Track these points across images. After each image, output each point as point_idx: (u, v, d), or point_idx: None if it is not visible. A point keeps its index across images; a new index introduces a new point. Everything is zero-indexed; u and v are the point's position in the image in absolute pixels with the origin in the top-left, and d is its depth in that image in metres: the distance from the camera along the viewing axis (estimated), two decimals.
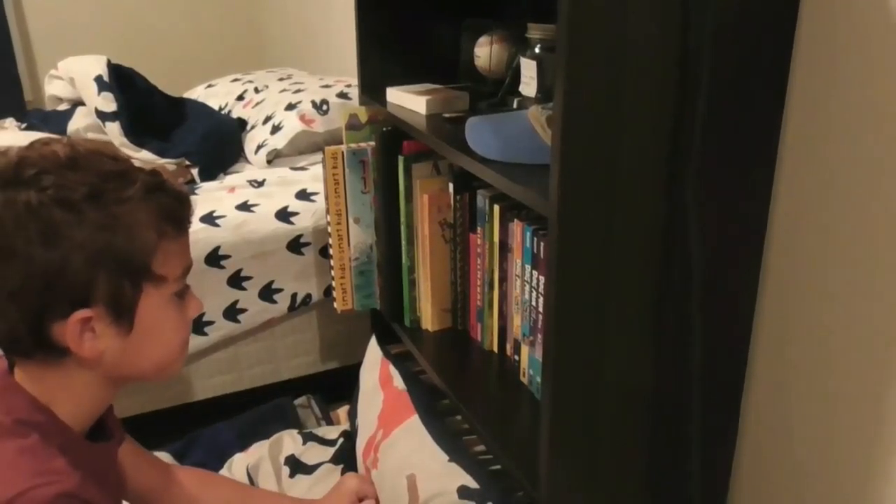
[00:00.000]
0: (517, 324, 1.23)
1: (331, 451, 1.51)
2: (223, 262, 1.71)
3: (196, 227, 1.69)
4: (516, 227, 1.16)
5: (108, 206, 0.80)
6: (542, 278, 1.12)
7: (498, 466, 1.21)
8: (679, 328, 0.96)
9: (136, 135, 2.10)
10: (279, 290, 1.79)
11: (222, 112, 2.42)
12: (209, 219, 1.72)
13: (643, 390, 0.98)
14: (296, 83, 2.34)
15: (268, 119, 2.16)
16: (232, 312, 1.75)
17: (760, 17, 0.88)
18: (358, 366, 1.62)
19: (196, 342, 1.74)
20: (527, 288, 1.16)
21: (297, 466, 1.47)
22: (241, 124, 2.26)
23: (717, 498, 1.11)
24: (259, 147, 2.09)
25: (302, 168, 2.03)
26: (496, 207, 1.21)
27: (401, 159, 1.38)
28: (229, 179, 2.01)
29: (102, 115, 2.11)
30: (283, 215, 1.77)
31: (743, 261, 0.99)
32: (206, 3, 3.61)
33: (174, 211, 0.87)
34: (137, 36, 3.48)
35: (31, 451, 0.81)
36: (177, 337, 0.92)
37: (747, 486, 1.12)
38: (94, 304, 0.81)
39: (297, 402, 1.79)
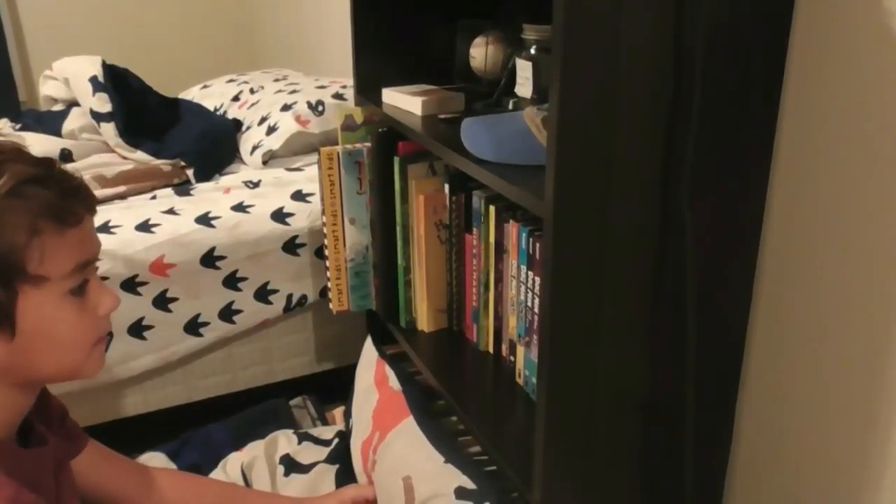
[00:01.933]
0: (512, 325, 1.23)
1: (326, 450, 1.51)
2: (218, 263, 1.71)
3: (191, 227, 1.70)
4: (512, 227, 1.16)
5: None
6: (537, 279, 1.12)
7: (494, 467, 1.21)
8: (674, 329, 0.96)
9: (131, 135, 2.10)
10: (274, 291, 1.79)
11: (217, 113, 2.42)
12: (204, 220, 1.72)
13: (638, 392, 0.98)
14: (291, 84, 2.34)
15: (263, 120, 2.16)
16: (227, 313, 1.75)
17: (755, 17, 0.88)
18: (353, 367, 1.62)
19: (191, 343, 1.74)
20: (522, 289, 1.16)
21: (291, 466, 1.47)
22: (237, 125, 2.26)
23: (712, 500, 1.12)
24: (254, 148, 2.09)
25: (297, 169, 2.03)
26: (492, 208, 1.21)
27: (396, 160, 1.38)
28: (224, 180, 2.01)
29: (97, 116, 2.10)
30: (279, 216, 1.77)
31: (738, 262, 1.00)
32: (201, 3, 3.60)
33: (52, 205, 0.81)
34: (132, 36, 3.48)
35: None
36: (78, 336, 0.87)
37: (742, 488, 1.12)
38: None
39: (293, 402, 1.79)
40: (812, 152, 0.93)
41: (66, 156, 2.07)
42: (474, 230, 1.28)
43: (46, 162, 0.84)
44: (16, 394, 0.87)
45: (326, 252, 1.56)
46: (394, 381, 1.43)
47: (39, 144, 2.05)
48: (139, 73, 2.30)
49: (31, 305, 0.81)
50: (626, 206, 0.87)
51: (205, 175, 2.04)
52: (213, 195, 1.87)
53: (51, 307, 0.83)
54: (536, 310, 1.14)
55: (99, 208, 0.93)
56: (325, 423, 1.72)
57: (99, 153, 2.12)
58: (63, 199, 0.82)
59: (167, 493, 1.20)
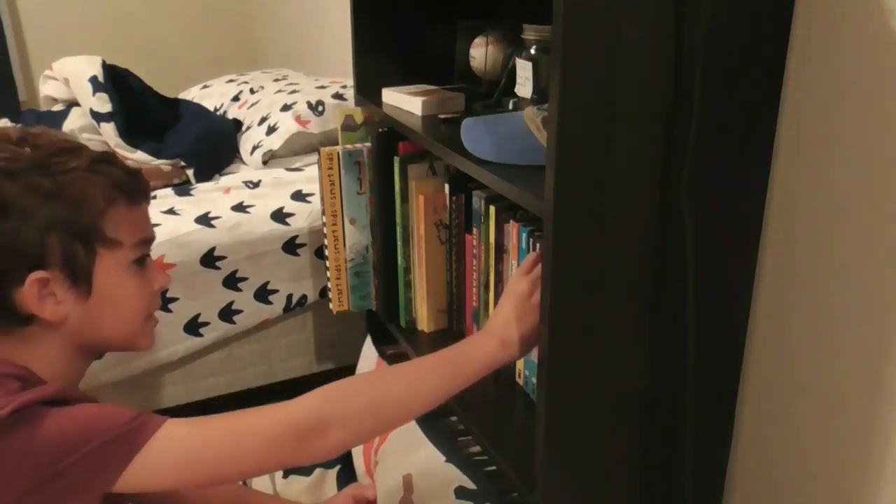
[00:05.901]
0: None
1: None
2: (218, 264, 1.71)
3: (191, 227, 1.70)
4: (511, 228, 1.16)
5: (55, 175, 0.86)
6: None
7: (493, 467, 1.21)
8: (674, 329, 0.96)
9: (131, 136, 2.10)
10: (274, 291, 1.79)
11: (217, 113, 2.42)
12: (204, 220, 1.72)
13: (638, 391, 0.98)
14: (291, 84, 2.34)
15: (263, 120, 2.16)
16: (227, 313, 1.75)
17: (755, 17, 0.88)
18: (353, 367, 1.62)
19: (191, 343, 1.74)
20: None
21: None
22: (237, 125, 2.26)
23: (712, 500, 1.12)
24: (254, 148, 2.09)
25: (297, 169, 2.03)
26: (491, 208, 1.21)
27: (396, 160, 1.38)
28: (224, 180, 2.01)
29: (97, 116, 2.10)
30: (279, 216, 1.77)
31: (737, 262, 1.00)
32: (201, 3, 3.60)
33: (123, 182, 0.92)
34: (132, 37, 3.47)
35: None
36: (138, 305, 0.95)
37: (742, 488, 1.12)
38: (50, 267, 0.86)
39: None
40: (812, 152, 0.93)
41: None
42: (474, 230, 1.28)
43: (109, 152, 0.96)
44: (78, 358, 0.94)
45: (326, 252, 1.56)
46: None
47: None
48: (139, 73, 2.30)
49: (105, 267, 0.90)
50: (626, 206, 0.87)
51: (205, 175, 2.05)
52: (213, 195, 1.88)
53: (119, 273, 0.92)
54: None
55: None
56: None
57: None
58: (131, 179, 0.93)
59: (189, 492, 1.20)
